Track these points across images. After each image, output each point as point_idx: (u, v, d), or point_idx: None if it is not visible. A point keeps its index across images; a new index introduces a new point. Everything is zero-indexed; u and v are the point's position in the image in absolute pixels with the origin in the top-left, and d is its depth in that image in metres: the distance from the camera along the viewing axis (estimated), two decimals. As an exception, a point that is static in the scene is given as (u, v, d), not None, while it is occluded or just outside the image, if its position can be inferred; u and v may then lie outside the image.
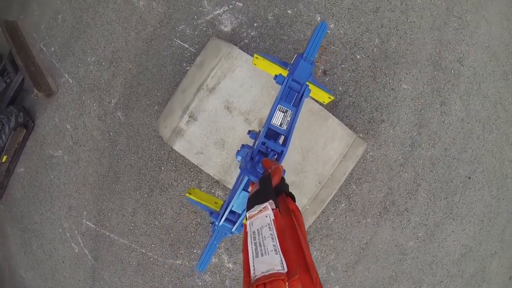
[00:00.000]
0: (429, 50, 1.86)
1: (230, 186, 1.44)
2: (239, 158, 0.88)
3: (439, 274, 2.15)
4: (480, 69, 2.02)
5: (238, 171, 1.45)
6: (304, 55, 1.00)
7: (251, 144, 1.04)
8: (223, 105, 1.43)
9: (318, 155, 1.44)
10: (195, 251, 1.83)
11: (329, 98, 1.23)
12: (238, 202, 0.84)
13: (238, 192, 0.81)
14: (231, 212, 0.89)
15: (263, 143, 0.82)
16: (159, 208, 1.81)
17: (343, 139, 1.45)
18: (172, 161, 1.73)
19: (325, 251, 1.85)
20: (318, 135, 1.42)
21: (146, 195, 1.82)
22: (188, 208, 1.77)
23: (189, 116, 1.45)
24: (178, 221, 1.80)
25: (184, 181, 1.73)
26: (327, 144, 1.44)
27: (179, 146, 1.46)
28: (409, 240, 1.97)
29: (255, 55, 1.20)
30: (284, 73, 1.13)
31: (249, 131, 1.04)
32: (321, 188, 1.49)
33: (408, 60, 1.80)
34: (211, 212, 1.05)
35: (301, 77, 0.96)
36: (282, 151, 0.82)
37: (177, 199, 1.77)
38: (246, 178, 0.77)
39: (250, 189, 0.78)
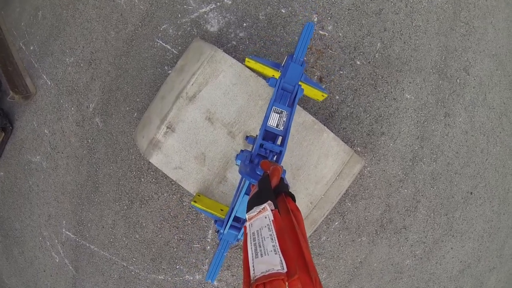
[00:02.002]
0: (434, 57, 1.61)
1: (211, 206, 1.22)
2: (239, 162, 0.84)
3: (435, 291, 1.94)
4: (486, 79, 1.77)
5: (221, 188, 1.22)
6: (293, 57, 0.96)
7: (249, 150, 0.97)
8: (204, 116, 1.19)
9: (310, 173, 1.21)
10: (177, 266, 1.62)
11: (322, 95, 1.16)
12: (242, 208, 0.80)
13: (241, 197, 0.78)
14: (236, 218, 0.86)
15: (261, 145, 0.79)
16: (140, 221, 1.59)
17: (339, 156, 1.21)
18: (152, 173, 1.51)
19: (316, 270, 1.63)
20: (310, 151, 1.19)
21: (126, 207, 1.60)
22: (170, 222, 1.55)
23: (167, 127, 1.21)
24: (160, 236, 1.58)
25: (165, 194, 1.51)
26: (321, 161, 1.20)
27: (155, 160, 1.23)
28: (406, 258, 1.75)
29: (246, 58, 1.12)
30: (277, 74, 1.09)
31: (247, 137, 0.99)
32: (312, 208, 1.26)
33: (412, 67, 1.56)
34: (216, 220, 1.02)
35: (293, 78, 0.92)
36: (280, 151, 0.78)
37: (158, 212, 1.54)
38: (247, 183, 0.75)
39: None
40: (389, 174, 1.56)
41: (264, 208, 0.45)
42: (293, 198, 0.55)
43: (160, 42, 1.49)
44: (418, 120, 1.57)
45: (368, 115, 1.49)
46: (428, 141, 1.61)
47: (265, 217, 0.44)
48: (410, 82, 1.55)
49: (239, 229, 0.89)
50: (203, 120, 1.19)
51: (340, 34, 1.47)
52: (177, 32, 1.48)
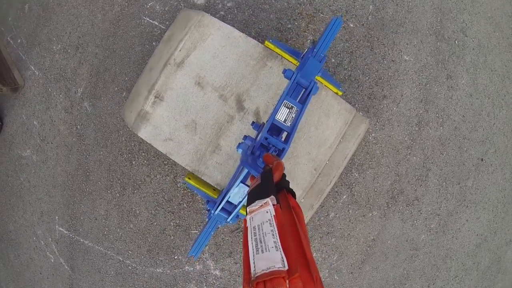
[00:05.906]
0: (429, 18, 1.51)
1: (205, 178, 1.07)
2: (240, 151, 0.81)
3: (454, 268, 1.75)
4: (484, 41, 1.66)
5: (215, 158, 1.08)
6: (314, 50, 0.88)
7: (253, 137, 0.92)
8: (193, 81, 1.07)
9: (311, 135, 1.07)
10: (176, 257, 1.45)
11: (336, 92, 1.10)
12: (235, 193, 0.78)
13: (236, 184, 0.75)
14: (228, 202, 0.82)
15: (265, 138, 0.74)
16: (133, 209, 1.43)
17: (341, 115, 1.08)
18: (143, 154, 1.37)
19: (326, 252, 1.45)
20: (309, 111, 1.06)
21: (118, 195, 1.45)
22: (165, 207, 1.40)
23: (155, 97, 1.09)
24: (155, 223, 1.42)
25: (157, 176, 1.36)
26: (321, 121, 1.07)
27: (144, 133, 1.10)
28: (420, 233, 1.58)
29: (266, 41, 1.05)
30: (295, 62, 1.04)
31: (253, 122, 0.94)
32: (317, 176, 1.11)
33: (407, 29, 1.45)
34: (208, 200, 0.99)
35: (309, 74, 0.85)
36: (283, 149, 0.73)
37: (152, 197, 1.39)
38: (245, 171, 0.72)
39: (249, 182, 0.74)
40: (395, 140, 1.41)
41: (266, 202, 0.43)
42: (293, 195, 0.53)
43: (147, 19, 1.39)
44: (420, 83, 1.44)
45: (367, 78, 1.36)
46: (433, 104, 1.47)
47: (267, 212, 0.42)
48: (407, 44, 1.43)
49: (229, 212, 0.85)
50: (193, 85, 1.06)
51: (331, -2, 1.37)
52: (164, 8, 1.38)
